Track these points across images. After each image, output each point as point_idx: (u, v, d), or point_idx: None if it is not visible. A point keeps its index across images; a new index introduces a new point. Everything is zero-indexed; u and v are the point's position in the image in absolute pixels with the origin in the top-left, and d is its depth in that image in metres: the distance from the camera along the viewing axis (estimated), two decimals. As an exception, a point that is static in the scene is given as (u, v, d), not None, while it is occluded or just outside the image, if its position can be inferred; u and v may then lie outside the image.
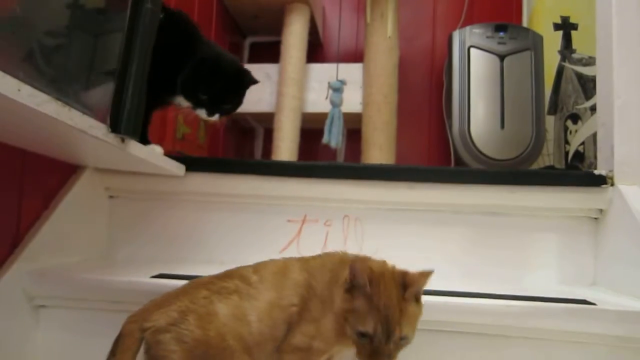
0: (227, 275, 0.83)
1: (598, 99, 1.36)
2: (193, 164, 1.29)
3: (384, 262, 0.80)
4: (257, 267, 0.84)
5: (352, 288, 0.74)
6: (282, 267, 0.84)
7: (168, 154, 1.21)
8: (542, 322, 0.97)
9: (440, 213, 1.28)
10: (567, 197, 1.25)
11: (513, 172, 1.31)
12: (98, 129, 0.86)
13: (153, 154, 1.07)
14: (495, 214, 1.28)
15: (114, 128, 0.89)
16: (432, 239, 1.28)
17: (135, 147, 0.97)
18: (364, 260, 0.81)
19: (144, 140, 1.17)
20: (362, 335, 0.71)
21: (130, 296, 0.96)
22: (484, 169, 1.81)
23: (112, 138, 0.89)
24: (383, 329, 0.70)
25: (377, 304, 0.71)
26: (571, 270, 1.26)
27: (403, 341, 0.72)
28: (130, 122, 0.91)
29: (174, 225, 1.34)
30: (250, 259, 0.89)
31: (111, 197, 1.36)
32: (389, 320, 0.70)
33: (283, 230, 1.29)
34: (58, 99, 0.75)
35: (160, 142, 1.26)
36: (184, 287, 0.82)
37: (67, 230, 1.19)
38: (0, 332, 0.99)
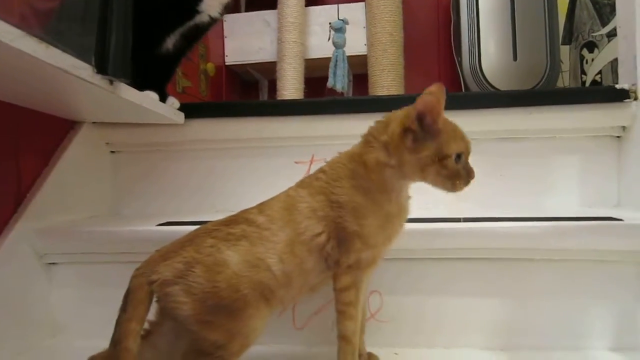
0: (232, 220, 0.77)
1: (618, 11, 1.26)
2: (193, 111, 1.24)
3: None
4: (261, 208, 0.78)
5: (414, 137, 0.73)
6: (289, 200, 0.78)
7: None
8: (567, 242, 0.93)
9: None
10: (587, 116, 1.18)
11: (530, 92, 1.24)
12: (82, 69, 0.80)
13: (148, 100, 1.02)
14: (511, 140, 1.22)
15: (101, 69, 0.83)
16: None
17: (126, 91, 0.92)
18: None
19: (162, 94, 1.13)
20: (459, 156, 0.75)
21: (138, 246, 0.93)
22: (499, 91, 1.70)
23: (99, 80, 0.84)
24: (466, 147, 0.76)
25: (451, 129, 0.76)
26: (594, 193, 1.20)
27: None
28: (118, 62, 0.85)
29: (178, 176, 1.30)
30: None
31: (113, 152, 1.33)
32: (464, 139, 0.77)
33: (290, 173, 1.25)
34: (34, 35, 0.70)
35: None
36: (188, 236, 0.77)
37: (70, 187, 1.16)
38: (14, 291, 0.98)
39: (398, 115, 0.76)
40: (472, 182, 0.77)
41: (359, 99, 1.24)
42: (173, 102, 1.16)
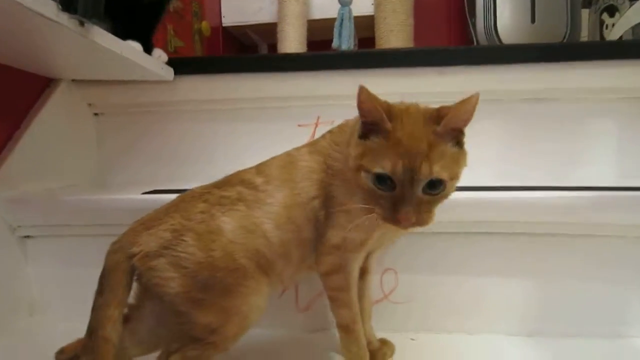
0: (226, 182, 0.67)
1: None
2: (183, 66, 1.11)
3: (411, 103, 0.60)
4: (259, 168, 0.69)
5: (366, 131, 0.57)
6: (288, 158, 0.68)
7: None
8: (606, 215, 0.81)
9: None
10: (627, 74, 1.04)
11: (564, 45, 1.09)
12: (45, 5, 0.67)
13: (129, 49, 0.89)
14: (541, 100, 1.09)
15: (66, 6, 0.70)
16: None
17: (101, 36, 0.79)
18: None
19: (148, 46, 1.00)
20: (380, 179, 0.54)
21: (121, 217, 0.80)
22: (527, 44, 1.53)
23: (66, 20, 0.71)
24: (405, 167, 0.53)
25: (398, 138, 0.54)
26: (633, 163, 1.08)
27: (437, 185, 0.54)
28: (88, 1, 0.72)
29: (168, 140, 1.18)
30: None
31: (96, 114, 1.20)
32: (414, 155, 0.53)
33: (293, 137, 1.10)
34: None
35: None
36: (174, 202, 0.67)
37: (47, 152, 1.03)
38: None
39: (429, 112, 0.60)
40: None
41: (369, 52, 1.10)
42: (160, 54, 1.02)
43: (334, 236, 0.64)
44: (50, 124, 1.04)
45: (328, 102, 1.12)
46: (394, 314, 0.87)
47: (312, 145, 0.69)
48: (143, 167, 1.19)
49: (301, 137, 1.13)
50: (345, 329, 0.68)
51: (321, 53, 1.11)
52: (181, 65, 1.10)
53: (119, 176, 1.20)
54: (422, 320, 0.86)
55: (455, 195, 0.80)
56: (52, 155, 1.05)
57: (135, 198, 0.86)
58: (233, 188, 0.66)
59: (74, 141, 1.14)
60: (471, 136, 1.07)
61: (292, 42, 1.98)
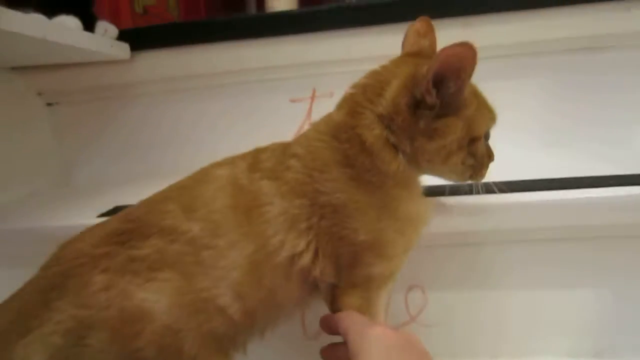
0: (132, 230, 0.46)
1: None
2: (141, 39, 0.89)
3: None
4: (185, 202, 0.47)
5: (435, 103, 0.46)
6: (241, 196, 0.48)
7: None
8: None
9: (511, 58, 0.87)
10: None
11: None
12: None
13: (57, 30, 0.67)
14: (595, 50, 0.85)
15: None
16: (500, 97, 0.88)
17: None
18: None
19: (88, 18, 0.79)
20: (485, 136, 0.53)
21: None
22: None
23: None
24: None
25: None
26: None
27: None
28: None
29: (136, 127, 0.98)
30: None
31: (50, 104, 1.00)
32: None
33: (284, 115, 0.91)
34: None
35: (114, 21, 0.86)
36: (53, 271, 0.45)
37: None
38: None
39: (398, 74, 0.49)
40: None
41: (377, 3, 0.86)
42: (106, 28, 0.80)
43: (354, 276, 0.49)
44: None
45: (325, 69, 0.89)
46: (423, 339, 0.70)
47: (281, 180, 0.48)
48: (110, 161, 1.00)
49: (295, 114, 0.93)
50: None
51: (314, 9, 0.87)
52: (138, 38, 0.88)
53: (84, 173, 1.01)
54: (458, 345, 0.70)
55: (493, 199, 0.62)
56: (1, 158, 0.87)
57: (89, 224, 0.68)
58: (146, 242, 0.44)
59: (27, 138, 0.95)
60: (512, 99, 0.88)
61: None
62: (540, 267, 0.67)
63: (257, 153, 0.52)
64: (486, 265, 0.68)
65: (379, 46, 0.83)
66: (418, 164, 0.50)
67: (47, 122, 0.99)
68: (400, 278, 0.69)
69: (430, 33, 0.56)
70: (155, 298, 0.42)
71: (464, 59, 0.44)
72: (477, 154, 0.51)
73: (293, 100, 0.93)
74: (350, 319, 0.45)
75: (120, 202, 0.72)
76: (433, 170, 0.53)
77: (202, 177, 0.50)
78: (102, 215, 0.70)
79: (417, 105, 0.46)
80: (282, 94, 0.93)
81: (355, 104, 0.49)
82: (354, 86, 0.52)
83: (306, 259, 0.47)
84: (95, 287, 0.42)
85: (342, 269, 0.49)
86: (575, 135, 0.87)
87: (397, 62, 0.52)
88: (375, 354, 0.40)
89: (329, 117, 0.52)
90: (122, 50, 0.86)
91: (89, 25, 0.78)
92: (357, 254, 0.48)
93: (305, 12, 0.89)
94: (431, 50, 0.54)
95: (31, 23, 0.62)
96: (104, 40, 0.80)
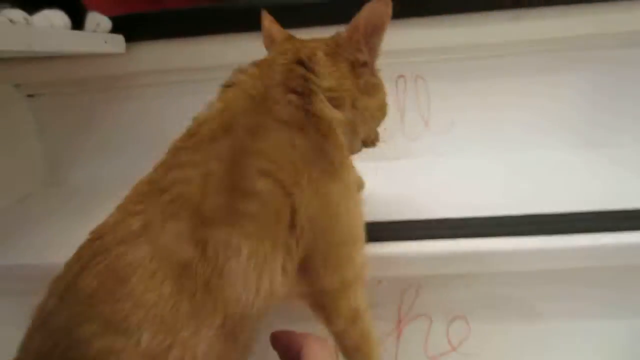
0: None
1: None
2: (138, 29, 0.76)
3: None
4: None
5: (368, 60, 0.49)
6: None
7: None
8: None
9: (559, 53, 0.78)
10: None
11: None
12: None
13: (41, 33, 0.55)
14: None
15: None
16: (541, 95, 0.80)
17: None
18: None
19: (77, 10, 0.66)
20: None
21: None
22: None
23: None
24: None
25: None
26: None
27: None
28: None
29: (130, 124, 0.87)
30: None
31: (31, 96, 0.88)
32: None
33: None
34: None
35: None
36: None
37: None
38: None
39: (321, 47, 0.48)
40: None
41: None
42: (99, 21, 0.68)
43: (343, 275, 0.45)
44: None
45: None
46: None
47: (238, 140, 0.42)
48: (103, 160, 0.89)
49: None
50: None
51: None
52: (135, 27, 0.75)
53: (76, 172, 0.91)
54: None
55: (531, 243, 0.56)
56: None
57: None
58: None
59: (8, 135, 0.83)
60: (550, 96, 0.80)
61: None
62: (584, 299, 0.63)
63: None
64: (529, 297, 0.64)
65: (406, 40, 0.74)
66: (354, 129, 0.49)
67: (30, 116, 0.88)
68: (443, 307, 0.65)
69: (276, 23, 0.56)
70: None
71: (383, 14, 0.46)
72: (382, 98, 0.53)
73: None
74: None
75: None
76: (364, 131, 0.52)
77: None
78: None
79: (352, 66, 0.48)
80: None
81: (274, 85, 0.44)
82: (252, 71, 0.47)
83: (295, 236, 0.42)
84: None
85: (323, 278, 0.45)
86: (618, 134, 0.80)
87: (291, 44, 0.50)
88: None
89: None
90: (117, 44, 0.73)
91: (77, 19, 0.66)
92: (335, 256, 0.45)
93: (314, 2, 0.76)
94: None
95: (12, 34, 0.50)
96: (97, 36, 0.67)
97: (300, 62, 0.46)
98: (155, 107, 0.86)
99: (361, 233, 0.47)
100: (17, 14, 0.59)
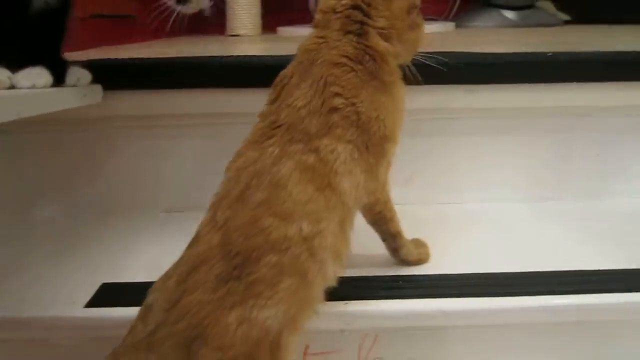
0: (241, 264, 0.48)
1: None
2: (115, 78, 0.78)
3: None
4: (279, 211, 0.51)
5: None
6: (313, 172, 0.53)
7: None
8: None
9: (507, 120, 0.86)
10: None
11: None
12: None
13: (25, 101, 0.57)
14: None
15: None
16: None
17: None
18: None
19: (58, 65, 0.68)
20: None
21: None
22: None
23: None
24: None
25: None
26: None
27: None
28: None
29: (107, 163, 0.88)
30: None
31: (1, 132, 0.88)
32: None
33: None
34: None
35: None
36: (184, 326, 0.46)
37: None
38: None
39: None
40: None
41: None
42: (79, 76, 0.70)
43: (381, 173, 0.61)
44: None
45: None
46: None
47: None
48: (77, 204, 0.90)
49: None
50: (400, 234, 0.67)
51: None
52: (112, 75, 0.78)
53: (43, 215, 0.90)
54: None
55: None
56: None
57: (74, 317, 0.62)
58: (261, 263, 0.49)
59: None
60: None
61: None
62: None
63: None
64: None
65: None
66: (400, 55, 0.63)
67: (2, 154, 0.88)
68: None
69: None
70: (273, 312, 0.47)
71: None
72: (421, 27, 0.66)
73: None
74: None
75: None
76: (406, 57, 0.65)
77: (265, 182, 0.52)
78: (91, 304, 0.64)
79: (409, 8, 0.62)
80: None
81: (342, 26, 0.59)
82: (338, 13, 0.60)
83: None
84: (233, 326, 0.45)
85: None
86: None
87: None
88: None
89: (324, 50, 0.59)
90: (95, 94, 0.75)
91: (58, 73, 0.68)
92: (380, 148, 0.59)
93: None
94: None
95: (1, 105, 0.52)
96: (76, 91, 0.69)
97: (357, 7, 0.59)
98: (142, 146, 0.89)
99: (398, 135, 0.62)
100: (1, 74, 0.61)
